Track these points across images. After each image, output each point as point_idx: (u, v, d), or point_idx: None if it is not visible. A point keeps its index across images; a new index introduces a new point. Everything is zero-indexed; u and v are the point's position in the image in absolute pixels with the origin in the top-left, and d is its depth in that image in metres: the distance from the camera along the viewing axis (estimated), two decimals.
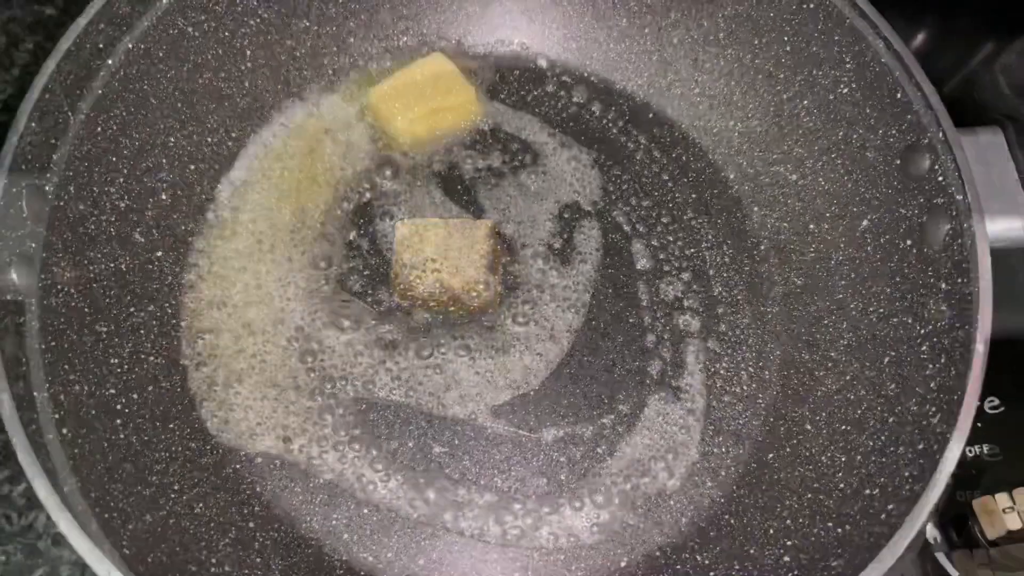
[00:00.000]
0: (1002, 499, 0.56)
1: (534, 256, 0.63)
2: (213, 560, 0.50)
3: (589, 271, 0.62)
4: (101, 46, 0.54)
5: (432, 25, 0.70)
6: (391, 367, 0.59)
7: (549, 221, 0.64)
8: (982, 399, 0.61)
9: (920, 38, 0.72)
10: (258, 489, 0.55)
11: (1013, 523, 0.55)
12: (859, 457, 0.51)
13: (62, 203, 0.52)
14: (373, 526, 0.54)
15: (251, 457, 0.56)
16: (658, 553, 0.54)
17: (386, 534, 0.54)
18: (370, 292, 0.61)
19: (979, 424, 0.61)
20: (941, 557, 0.58)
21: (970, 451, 0.60)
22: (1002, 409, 0.62)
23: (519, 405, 0.58)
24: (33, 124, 0.49)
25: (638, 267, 0.63)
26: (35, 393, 0.45)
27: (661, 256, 0.63)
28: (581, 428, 0.58)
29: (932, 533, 0.59)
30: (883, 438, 0.50)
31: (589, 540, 0.55)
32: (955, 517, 0.58)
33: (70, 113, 0.52)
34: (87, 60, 0.53)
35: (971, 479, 0.58)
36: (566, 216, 0.65)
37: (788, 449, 0.56)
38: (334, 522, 0.54)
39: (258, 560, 0.52)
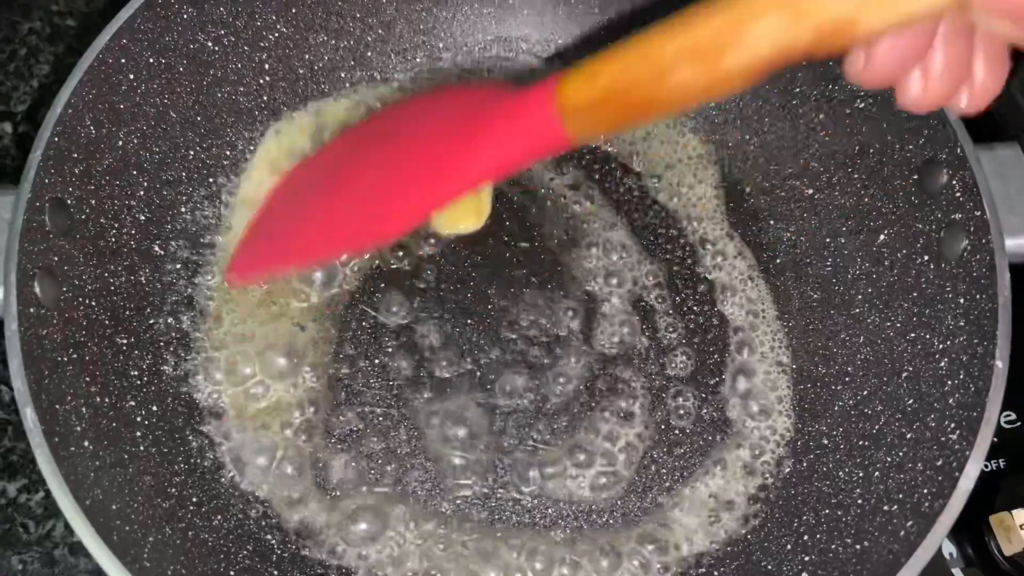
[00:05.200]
0: (1019, 515, 0.56)
1: (552, 270, 0.63)
2: (232, 572, 0.50)
3: (599, 286, 0.63)
4: (123, 61, 0.54)
5: (448, 39, 0.70)
6: (417, 392, 0.59)
7: (563, 237, 0.64)
8: (999, 414, 0.61)
9: None
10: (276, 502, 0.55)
11: None
12: (877, 473, 0.51)
13: (83, 216, 0.52)
14: (389, 539, 0.54)
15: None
16: (674, 569, 0.54)
17: (406, 548, 0.54)
18: (391, 308, 0.61)
19: (995, 439, 0.60)
20: (957, 573, 0.58)
21: (986, 466, 0.60)
22: (1018, 424, 0.62)
23: (533, 419, 0.58)
24: (56, 139, 0.49)
25: (651, 281, 0.63)
26: (57, 406, 0.46)
27: (675, 268, 0.63)
28: (592, 442, 0.58)
29: (948, 549, 0.59)
30: (901, 454, 0.50)
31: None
32: (971, 533, 0.58)
33: (92, 127, 0.53)
34: (109, 75, 0.53)
35: (987, 494, 0.57)
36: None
37: (805, 464, 0.56)
38: (352, 535, 0.54)
39: (276, 573, 0.52)
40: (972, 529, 0.57)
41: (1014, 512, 0.56)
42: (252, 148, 0.65)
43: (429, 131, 0.49)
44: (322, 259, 0.61)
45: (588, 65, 0.38)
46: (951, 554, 0.59)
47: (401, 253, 0.63)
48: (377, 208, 0.48)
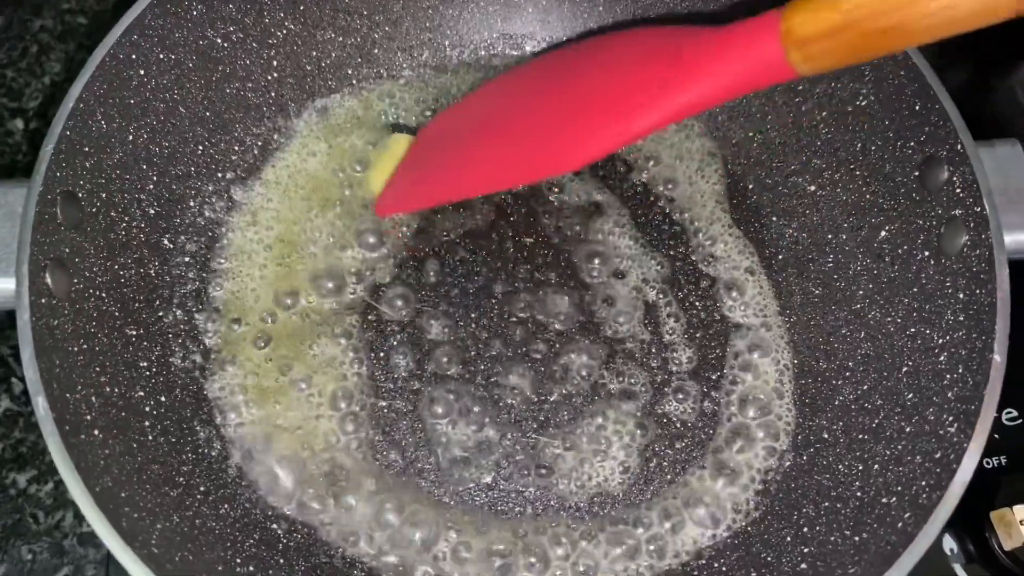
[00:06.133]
0: (1020, 511, 0.56)
1: (556, 265, 0.64)
2: (238, 560, 0.51)
3: (602, 281, 0.63)
4: (133, 57, 0.55)
5: (455, 36, 0.71)
6: (421, 385, 0.60)
7: (566, 232, 0.65)
8: (1000, 411, 0.62)
9: (938, 50, 0.72)
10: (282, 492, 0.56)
11: None
12: (876, 466, 0.51)
13: (94, 209, 0.53)
14: (393, 529, 0.55)
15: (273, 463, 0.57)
16: (674, 561, 0.55)
17: (410, 537, 0.55)
18: (395, 303, 0.62)
19: (997, 436, 0.61)
20: (958, 568, 0.58)
21: (988, 462, 0.60)
22: (1020, 421, 0.62)
23: (536, 413, 0.59)
24: (67, 133, 0.50)
25: (654, 276, 0.63)
26: (68, 395, 0.46)
27: (678, 264, 0.64)
28: (594, 435, 0.58)
29: (949, 544, 0.59)
30: (900, 447, 0.51)
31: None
32: (972, 528, 0.58)
33: (103, 122, 0.54)
34: (119, 71, 0.54)
35: (989, 490, 0.58)
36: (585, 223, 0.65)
37: (805, 458, 0.57)
38: (356, 525, 0.55)
39: (282, 561, 0.52)
40: (973, 525, 0.58)
41: (1015, 508, 0.57)
42: (260, 143, 0.65)
43: (621, 64, 0.49)
44: (486, 190, 0.61)
45: None
46: (952, 549, 0.59)
47: (404, 249, 0.64)
48: (561, 138, 0.49)
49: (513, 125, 0.54)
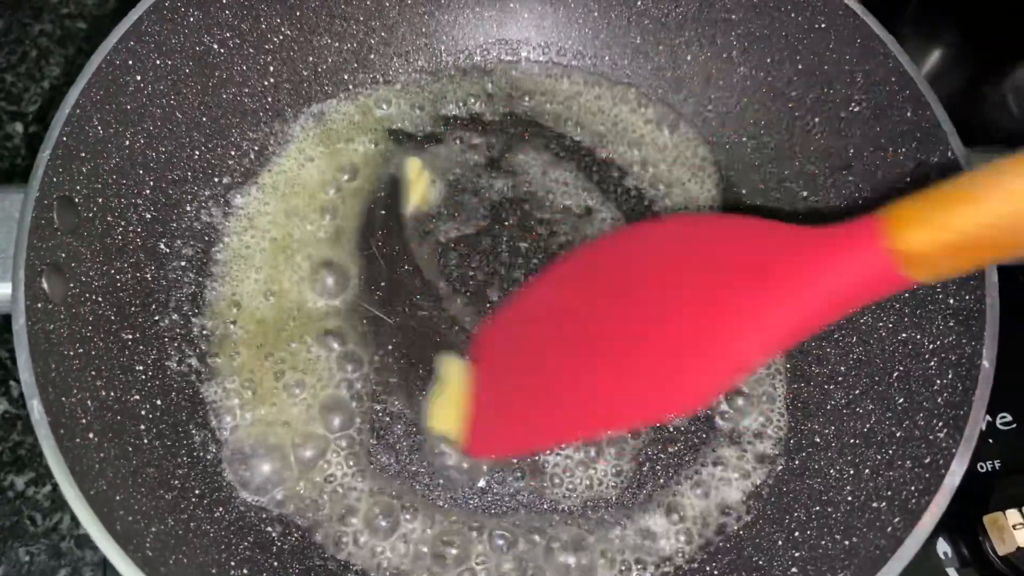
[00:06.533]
0: (1012, 515, 0.57)
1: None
2: (232, 563, 0.51)
3: None
4: (130, 63, 0.55)
5: (450, 42, 0.71)
6: (412, 387, 0.60)
7: (562, 238, 0.65)
8: (995, 415, 0.62)
9: (932, 58, 0.72)
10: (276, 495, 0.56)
11: (1023, 539, 0.55)
12: (867, 470, 0.52)
13: (91, 214, 0.53)
14: (387, 532, 0.55)
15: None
16: (667, 564, 0.55)
17: (405, 540, 0.55)
18: (388, 304, 0.62)
19: (991, 440, 0.62)
20: (952, 572, 0.58)
21: (981, 467, 0.60)
22: (1014, 425, 0.62)
23: None
24: (64, 138, 0.51)
25: None
26: (63, 398, 0.47)
27: None
28: (586, 442, 0.58)
29: (943, 548, 0.59)
30: (891, 452, 0.51)
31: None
32: (966, 532, 0.58)
33: (99, 127, 0.54)
34: (116, 76, 0.55)
35: (982, 495, 0.58)
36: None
37: (797, 462, 0.57)
38: (351, 528, 0.55)
39: (276, 564, 0.53)
40: (967, 529, 0.58)
41: (1008, 512, 0.57)
42: (256, 148, 0.66)
43: (699, 280, 0.43)
44: (581, 439, 0.55)
45: (927, 209, 0.35)
46: (946, 553, 0.59)
47: (401, 253, 0.64)
48: (656, 377, 0.42)
49: (601, 349, 0.46)
